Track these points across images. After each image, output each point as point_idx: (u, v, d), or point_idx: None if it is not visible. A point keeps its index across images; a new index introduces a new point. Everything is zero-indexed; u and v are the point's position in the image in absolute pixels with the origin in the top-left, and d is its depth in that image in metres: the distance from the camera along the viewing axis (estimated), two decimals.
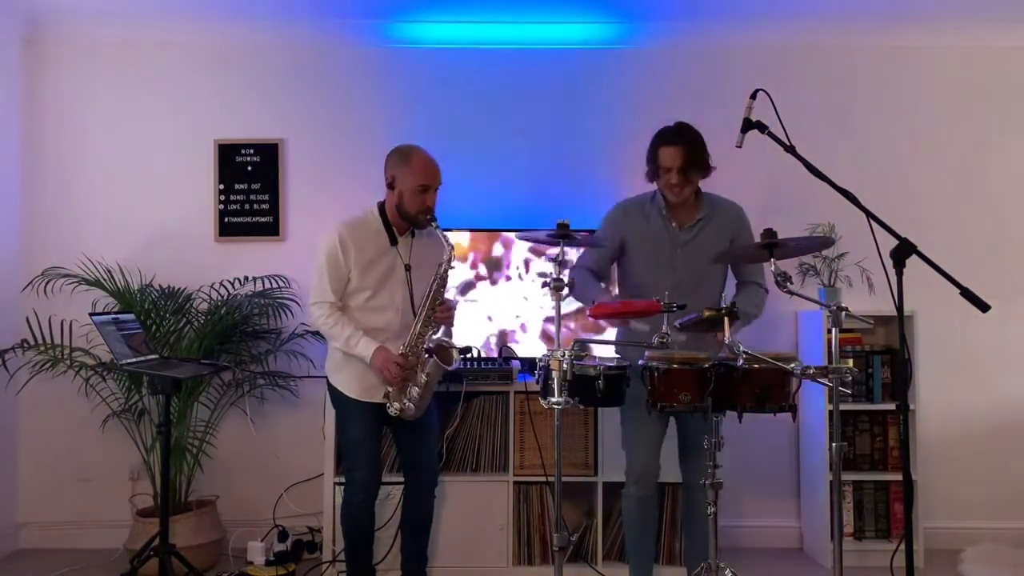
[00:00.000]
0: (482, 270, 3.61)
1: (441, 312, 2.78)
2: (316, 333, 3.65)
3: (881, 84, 3.88)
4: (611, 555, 3.32)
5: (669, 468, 2.88)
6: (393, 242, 2.80)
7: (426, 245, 2.86)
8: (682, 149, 2.65)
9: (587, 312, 2.87)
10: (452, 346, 2.82)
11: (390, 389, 2.76)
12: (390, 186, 2.78)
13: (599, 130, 3.82)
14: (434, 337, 2.80)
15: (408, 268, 2.81)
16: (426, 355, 2.74)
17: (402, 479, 2.99)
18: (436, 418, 3.04)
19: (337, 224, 2.77)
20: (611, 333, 3.20)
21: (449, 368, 2.78)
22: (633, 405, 2.55)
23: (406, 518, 2.99)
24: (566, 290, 2.38)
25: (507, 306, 3.60)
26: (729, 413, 2.35)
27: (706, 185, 2.88)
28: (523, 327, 3.60)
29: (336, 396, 2.87)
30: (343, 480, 2.92)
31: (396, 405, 2.75)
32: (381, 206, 2.83)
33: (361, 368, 2.78)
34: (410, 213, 2.75)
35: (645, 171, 2.79)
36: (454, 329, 2.93)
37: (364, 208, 2.86)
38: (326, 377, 2.91)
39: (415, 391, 2.75)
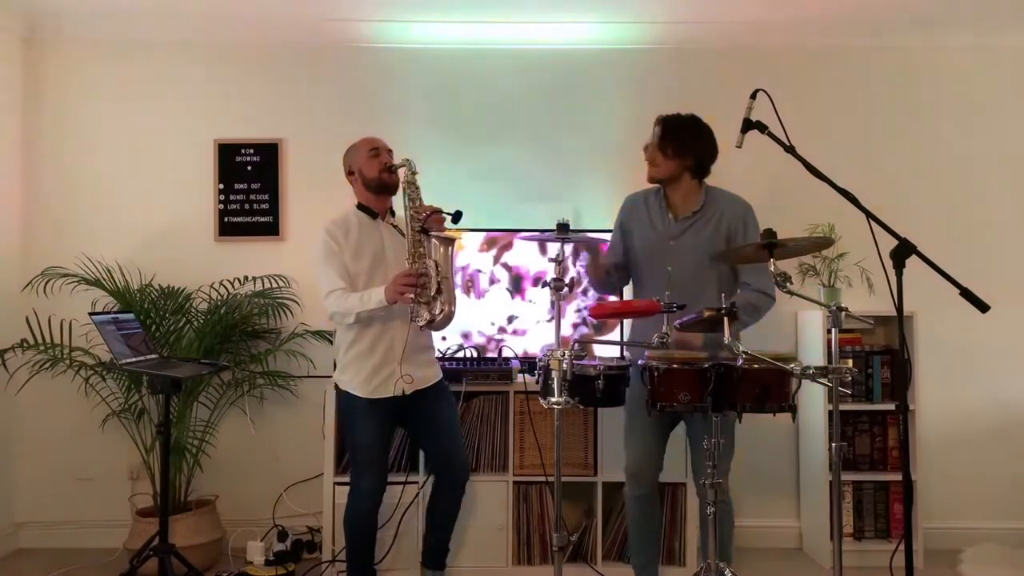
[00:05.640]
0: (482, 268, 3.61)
1: (425, 214, 2.68)
2: (316, 333, 3.66)
3: (881, 84, 3.87)
4: (611, 555, 3.32)
5: (669, 468, 2.87)
6: (374, 216, 2.86)
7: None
8: (660, 127, 2.70)
9: (588, 311, 2.87)
10: (442, 214, 2.70)
11: (414, 306, 2.63)
12: (351, 173, 2.89)
13: (600, 130, 3.82)
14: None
15: (395, 226, 2.87)
16: (423, 236, 2.65)
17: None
18: (457, 416, 3.03)
19: (323, 224, 2.84)
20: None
21: (451, 237, 2.65)
22: (629, 404, 2.55)
23: (434, 514, 2.98)
24: (565, 290, 2.39)
25: (505, 305, 3.60)
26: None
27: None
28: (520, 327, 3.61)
29: (345, 400, 2.83)
30: (344, 481, 2.91)
31: (425, 314, 2.62)
32: (357, 204, 2.91)
33: (370, 365, 2.77)
34: (375, 179, 2.81)
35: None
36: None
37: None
38: (335, 384, 2.88)
39: (433, 287, 2.61)
